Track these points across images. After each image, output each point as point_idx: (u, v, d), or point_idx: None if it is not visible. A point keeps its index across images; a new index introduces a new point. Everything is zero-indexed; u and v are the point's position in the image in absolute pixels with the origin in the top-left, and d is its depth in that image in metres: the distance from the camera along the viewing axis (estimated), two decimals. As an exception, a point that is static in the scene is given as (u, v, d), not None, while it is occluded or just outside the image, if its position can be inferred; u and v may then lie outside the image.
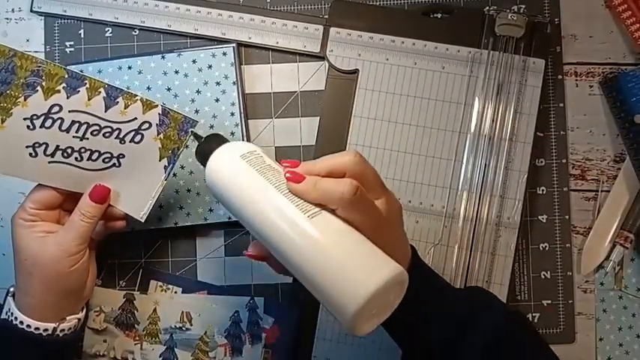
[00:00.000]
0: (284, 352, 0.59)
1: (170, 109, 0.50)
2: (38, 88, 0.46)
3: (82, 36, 0.62)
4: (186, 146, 0.52)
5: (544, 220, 0.61)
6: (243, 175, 0.42)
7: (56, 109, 0.47)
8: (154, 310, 0.60)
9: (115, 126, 0.49)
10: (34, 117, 0.47)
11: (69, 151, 0.49)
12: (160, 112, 0.50)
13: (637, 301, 0.61)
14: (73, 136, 0.48)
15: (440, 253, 0.58)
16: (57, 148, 0.48)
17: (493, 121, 0.58)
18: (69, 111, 0.48)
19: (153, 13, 0.61)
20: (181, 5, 0.61)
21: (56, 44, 0.62)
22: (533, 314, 0.60)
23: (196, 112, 0.60)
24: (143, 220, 0.52)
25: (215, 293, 0.60)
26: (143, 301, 0.60)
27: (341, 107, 0.60)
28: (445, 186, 0.59)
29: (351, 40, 0.60)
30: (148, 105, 0.50)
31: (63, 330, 0.50)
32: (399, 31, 0.60)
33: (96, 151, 0.50)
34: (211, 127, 0.60)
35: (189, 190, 0.59)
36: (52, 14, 0.62)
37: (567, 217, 0.60)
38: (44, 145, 0.48)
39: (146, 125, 0.50)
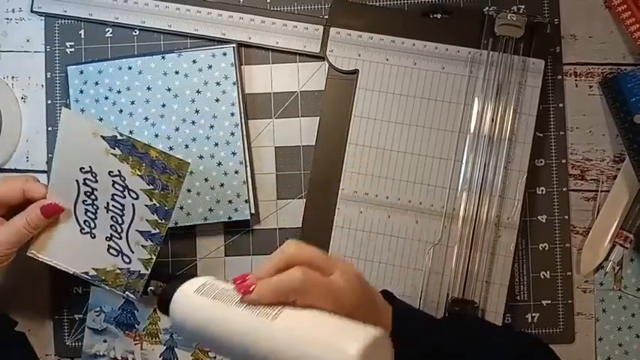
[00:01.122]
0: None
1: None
2: (158, 178, 0.51)
3: (83, 36, 0.62)
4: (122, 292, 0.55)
5: (543, 220, 0.61)
6: (204, 310, 0.41)
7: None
8: (154, 310, 0.60)
9: (125, 227, 0.52)
10: (116, 174, 0.51)
11: (91, 193, 0.52)
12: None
13: (636, 301, 0.61)
14: (113, 193, 0.52)
15: (439, 253, 0.58)
16: (92, 191, 0.52)
17: (493, 121, 0.58)
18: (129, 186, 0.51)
19: (153, 14, 0.61)
20: (181, 5, 0.61)
21: (56, 44, 0.62)
22: (533, 314, 0.60)
23: (196, 112, 0.60)
24: (38, 259, 0.53)
25: (215, 293, 0.60)
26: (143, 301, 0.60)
27: (341, 107, 0.60)
28: (445, 186, 0.59)
29: (350, 41, 0.60)
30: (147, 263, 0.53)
31: None
32: (399, 31, 0.60)
33: (94, 213, 0.52)
34: (211, 127, 0.60)
35: (189, 190, 0.59)
36: (53, 14, 0.62)
37: (567, 217, 0.61)
38: (90, 173, 0.51)
39: (129, 258, 0.53)
